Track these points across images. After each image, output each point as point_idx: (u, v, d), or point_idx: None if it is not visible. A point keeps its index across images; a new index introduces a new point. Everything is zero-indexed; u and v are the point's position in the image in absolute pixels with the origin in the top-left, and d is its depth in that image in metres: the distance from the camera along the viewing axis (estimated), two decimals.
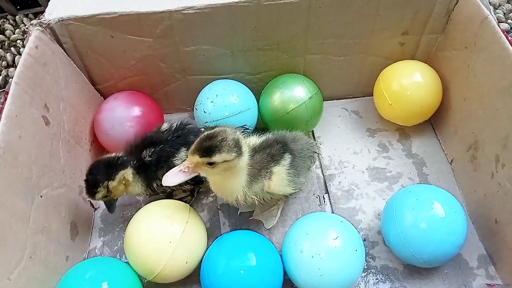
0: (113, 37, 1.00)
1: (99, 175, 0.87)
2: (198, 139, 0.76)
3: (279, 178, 0.85)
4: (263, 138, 0.91)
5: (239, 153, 0.77)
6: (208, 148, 0.73)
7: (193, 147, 0.75)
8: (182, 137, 0.94)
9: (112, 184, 0.88)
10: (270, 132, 0.94)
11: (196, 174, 0.78)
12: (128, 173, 0.90)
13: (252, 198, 0.85)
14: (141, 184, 0.93)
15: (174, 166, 0.90)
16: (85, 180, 0.88)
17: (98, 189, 0.87)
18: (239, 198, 0.84)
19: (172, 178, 0.77)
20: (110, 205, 0.93)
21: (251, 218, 1.01)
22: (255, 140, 0.90)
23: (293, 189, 0.88)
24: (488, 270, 0.91)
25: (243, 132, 1.00)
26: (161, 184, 0.92)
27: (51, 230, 0.86)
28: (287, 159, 0.88)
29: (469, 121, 0.99)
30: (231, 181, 0.82)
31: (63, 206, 0.92)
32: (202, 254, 0.88)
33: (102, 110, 1.06)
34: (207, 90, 1.09)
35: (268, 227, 1.00)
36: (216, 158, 0.74)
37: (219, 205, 1.04)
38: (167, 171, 0.90)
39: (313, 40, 1.07)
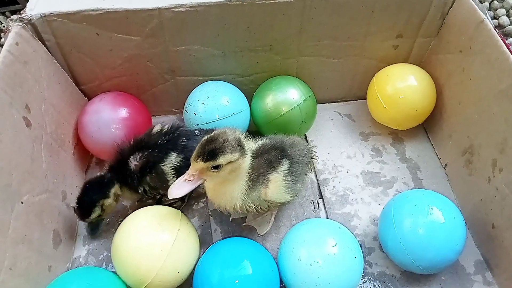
0: (99, 35, 0.95)
1: (94, 195, 0.87)
2: (198, 144, 0.72)
3: (276, 186, 0.83)
4: (259, 143, 0.87)
5: (243, 151, 0.74)
6: (211, 151, 0.70)
7: (195, 153, 0.72)
8: (172, 141, 0.90)
9: (108, 201, 0.88)
10: (266, 137, 0.91)
11: (202, 182, 0.75)
12: (117, 188, 0.90)
13: (249, 206, 0.82)
14: (128, 192, 0.91)
15: (162, 172, 0.88)
16: (79, 203, 0.87)
17: (95, 209, 0.87)
18: (237, 206, 0.80)
19: (177, 189, 0.73)
20: (97, 227, 0.92)
21: (244, 224, 0.97)
22: (251, 145, 0.86)
23: (291, 196, 0.86)
24: (485, 276, 0.90)
25: None
26: (149, 189, 0.89)
27: (33, 239, 0.81)
28: (285, 165, 0.85)
29: (464, 125, 0.99)
30: (231, 187, 0.78)
31: (45, 213, 0.87)
32: (194, 262, 0.84)
33: (86, 112, 1.01)
34: (198, 91, 1.05)
35: (262, 234, 0.96)
36: (221, 160, 0.70)
37: (210, 211, 1.00)
38: (155, 176, 0.87)
39: (307, 41, 1.05)
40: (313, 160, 0.96)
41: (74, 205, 0.88)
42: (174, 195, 0.73)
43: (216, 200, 0.82)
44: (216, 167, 0.71)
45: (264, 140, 0.88)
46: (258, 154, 0.83)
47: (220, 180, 0.77)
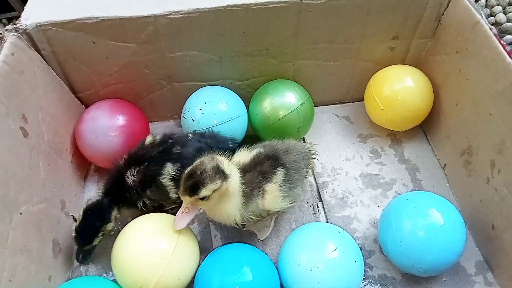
0: (95, 43, 0.95)
1: (97, 222, 0.87)
2: (182, 179, 0.75)
3: (272, 196, 0.83)
4: (253, 153, 0.87)
5: (224, 177, 0.75)
6: (192, 186, 0.73)
7: (180, 188, 0.75)
8: (166, 151, 0.90)
9: (110, 226, 0.89)
10: (261, 144, 0.91)
11: (198, 211, 0.79)
12: (116, 211, 0.90)
13: (250, 217, 0.82)
14: (127, 210, 0.92)
15: (162, 185, 0.88)
16: (81, 231, 0.87)
17: (98, 235, 0.87)
18: (237, 220, 0.81)
19: (179, 222, 0.78)
20: (90, 253, 0.91)
21: (244, 229, 0.97)
22: (245, 157, 0.87)
23: (289, 203, 0.86)
24: (486, 277, 0.90)
25: (230, 145, 0.98)
26: (150, 202, 0.89)
27: (32, 249, 0.81)
28: (279, 174, 0.85)
29: (462, 126, 0.99)
30: (226, 206, 0.79)
31: (44, 223, 0.86)
32: (195, 269, 0.83)
33: (84, 120, 1.01)
34: (195, 97, 1.05)
35: (262, 238, 0.96)
36: (204, 192, 0.73)
37: (210, 217, 1.00)
38: (155, 190, 0.88)
39: (303, 45, 1.05)
40: (313, 160, 0.95)
41: (74, 233, 0.87)
42: (179, 227, 0.78)
43: (216, 219, 0.83)
44: (203, 198, 0.74)
45: (258, 150, 0.87)
46: (251, 167, 0.83)
47: (214, 205, 0.78)
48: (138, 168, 0.88)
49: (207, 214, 0.85)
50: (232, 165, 0.80)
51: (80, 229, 0.87)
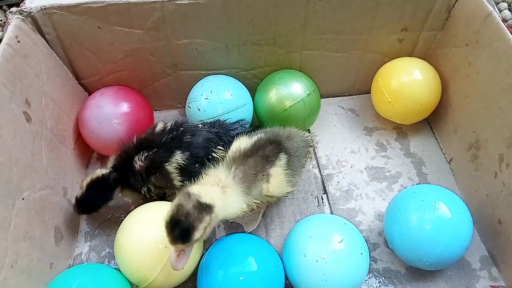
0: (100, 28, 0.94)
1: (99, 199, 0.89)
2: (166, 229, 0.67)
3: (277, 180, 0.82)
4: (254, 138, 0.86)
5: (209, 210, 0.68)
6: (182, 234, 0.66)
7: (168, 239, 0.67)
8: (177, 139, 0.89)
9: (111, 203, 0.90)
10: (261, 131, 0.89)
11: (192, 248, 0.70)
12: (119, 189, 0.91)
13: (253, 204, 0.80)
14: (129, 192, 0.91)
15: (166, 172, 0.86)
16: (82, 203, 0.89)
17: (98, 210, 0.90)
18: (244, 209, 0.79)
19: (179, 264, 0.68)
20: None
21: (231, 221, 0.96)
22: (245, 142, 0.85)
23: (292, 188, 0.85)
24: (491, 272, 0.90)
25: (240, 126, 0.97)
26: (154, 189, 0.88)
27: (34, 236, 0.80)
28: (283, 159, 0.84)
29: (470, 119, 0.98)
30: (228, 208, 0.75)
31: (46, 210, 0.85)
32: (198, 259, 0.83)
33: (87, 107, 0.99)
34: (200, 86, 1.04)
35: (249, 231, 0.95)
36: (197, 235, 0.66)
37: None
38: (159, 176, 0.87)
39: (311, 35, 1.03)
40: (311, 148, 0.95)
41: (74, 201, 0.89)
42: (179, 268, 0.69)
43: (224, 218, 0.78)
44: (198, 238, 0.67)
45: (259, 135, 0.86)
46: (253, 152, 0.82)
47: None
48: (147, 154, 0.86)
49: None
50: (208, 186, 0.74)
51: (81, 201, 0.88)
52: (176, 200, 0.69)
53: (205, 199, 0.69)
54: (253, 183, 0.80)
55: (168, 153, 0.86)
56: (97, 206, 0.90)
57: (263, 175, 0.81)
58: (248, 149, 0.83)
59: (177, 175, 0.87)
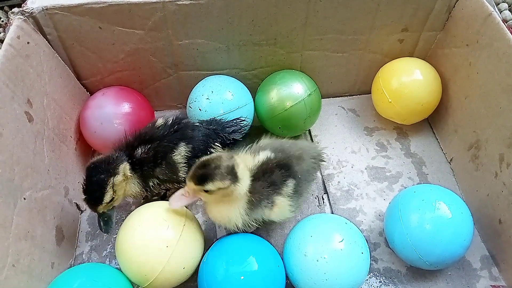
0: (101, 29, 0.94)
1: (102, 174, 0.80)
2: (194, 165, 0.74)
3: (281, 209, 0.82)
4: (261, 157, 0.82)
5: (234, 180, 0.73)
6: (201, 176, 0.72)
7: (190, 173, 0.74)
8: (180, 131, 0.89)
9: (118, 179, 0.81)
10: (269, 143, 0.86)
11: (197, 199, 0.77)
12: (126, 168, 0.84)
13: (251, 224, 0.81)
14: (137, 182, 0.88)
15: (173, 162, 0.87)
16: (88, 187, 0.80)
17: (107, 190, 0.80)
18: (238, 226, 0.79)
19: (176, 202, 0.77)
20: (110, 218, 0.85)
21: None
22: (251, 162, 0.82)
23: (293, 213, 0.85)
24: (491, 272, 0.90)
25: (241, 123, 0.98)
26: (158, 183, 0.88)
27: (36, 236, 0.80)
28: (290, 186, 0.82)
29: (470, 119, 0.98)
30: (228, 209, 0.78)
31: (47, 209, 0.86)
32: (199, 259, 0.83)
33: (89, 107, 1.00)
34: (201, 86, 1.04)
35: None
36: (209, 186, 0.72)
37: (209, 216, 0.99)
38: (165, 167, 0.87)
39: (312, 35, 1.04)
40: (322, 163, 0.95)
41: (83, 195, 0.81)
42: (173, 206, 0.77)
43: (213, 218, 0.82)
44: (207, 190, 0.73)
45: (267, 155, 0.83)
46: (259, 176, 0.80)
47: (215, 201, 0.78)
48: (149, 146, 0.87)
49: (210, 217, 0.82)
50: (247, 171, 0.77)
51: (86, 185, 0.80)
52: (219, 153, 0.75)
53: (239, 171, 0.74)
54: (257, 207, 0.79)
55: (172, 144, 0.87)
56: (102, 183, 0.80)
57: (268, 202, 0.80)
58: (255, 170, 0.80)
59: (184, 166, 0.87)
